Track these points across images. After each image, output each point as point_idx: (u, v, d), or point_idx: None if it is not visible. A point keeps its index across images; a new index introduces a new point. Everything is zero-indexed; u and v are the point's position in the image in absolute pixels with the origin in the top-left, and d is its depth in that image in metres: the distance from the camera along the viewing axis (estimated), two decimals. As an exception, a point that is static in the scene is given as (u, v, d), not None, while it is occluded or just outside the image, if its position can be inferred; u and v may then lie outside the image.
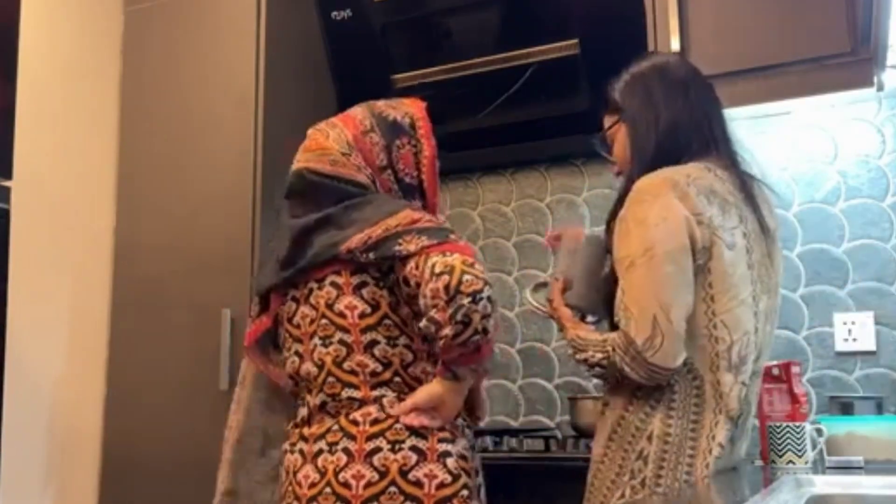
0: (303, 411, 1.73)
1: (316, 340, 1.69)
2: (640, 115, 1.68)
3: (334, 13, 2.67)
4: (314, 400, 1.69)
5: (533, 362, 2.74)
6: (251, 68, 2.55)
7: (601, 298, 1.72)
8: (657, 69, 1.73)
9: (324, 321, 1.68)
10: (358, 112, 1.81)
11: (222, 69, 2.61)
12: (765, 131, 2.47)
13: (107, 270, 2.71)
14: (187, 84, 2.66)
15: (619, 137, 1.73)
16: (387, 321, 1.65)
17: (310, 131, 1.83)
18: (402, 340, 1.66)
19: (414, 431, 1.61)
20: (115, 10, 2.81)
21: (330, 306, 1.67)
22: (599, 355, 1.57)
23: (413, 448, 1.60)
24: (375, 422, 1.62)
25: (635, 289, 1.52)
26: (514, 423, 2.72)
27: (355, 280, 1.66)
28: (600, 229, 1.80)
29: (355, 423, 1.63)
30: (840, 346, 2.34)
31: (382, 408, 1.63)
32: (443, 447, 1.62)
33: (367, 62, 2.71)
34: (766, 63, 2.15)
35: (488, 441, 2.33)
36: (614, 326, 1.63)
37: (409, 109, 1.81)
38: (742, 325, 1.56)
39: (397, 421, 1.62)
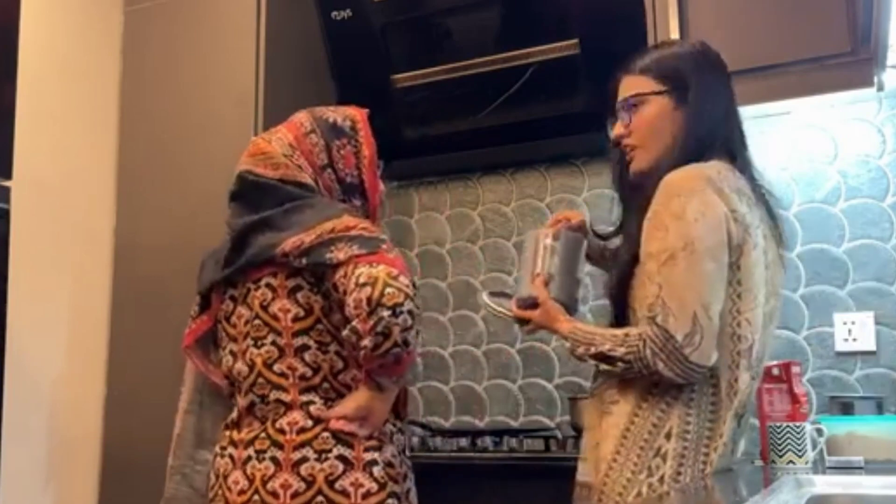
0: (234, 413, 1.75)
1: (249, 341, 1.70)
2: (705, 99, 1.61)
3: (334, 13, 2.67)
4: (243, 401, 1.71)
5: (533, 362, 2.73)
6: (251, 68, 2.55)
7: (579, 294, 1.73)
8: (713, 56, 1.67)
9: (257, 322, 1.69)
10: (300, 116, 1.85)
11: (222, 69, 2.60)
12: (765, 131, 2.46)
13: (107, 270, 2.71)
14: (187, 84, 2.66)
15: (652, 108, 1.64)
16: (319, 326, 1.66)
17: (253, 139, 1.87)
18: (333, 347, 1.66)
19: (341, 440, 1.62)
20: (115, 10, 2.81)
21: (265, 307, 1.68)
22: (622, 350, 1.52)
23: (339, 457, 1.61)
24: (302, 430, 1.64)
25: (675, 284, 1.48)
26: (514, 423, 2.72)
27: (290, 283, 1.67)
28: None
29: (282, 431, 1.65)
30: (840, 346, 2.34)
31: (309, 415, 1.64)
32: (369, 456, 1.64)
33: (367, 62, 2.70)
34: (766, 63, 2.15)
35: (488, 441, 2.33)
36: (619, 320, 1.61)
37: (350, 113, 1.84)
38: (760, 326, 1.56)
39: (324, 430, 1.63)
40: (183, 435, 1.84)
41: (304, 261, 1.63)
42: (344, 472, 1.61)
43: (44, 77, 2.56)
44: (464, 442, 2.34)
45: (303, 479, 1.60)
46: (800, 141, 2.45)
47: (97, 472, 2.62)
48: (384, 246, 1.61)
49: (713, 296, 1.49)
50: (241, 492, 1.65)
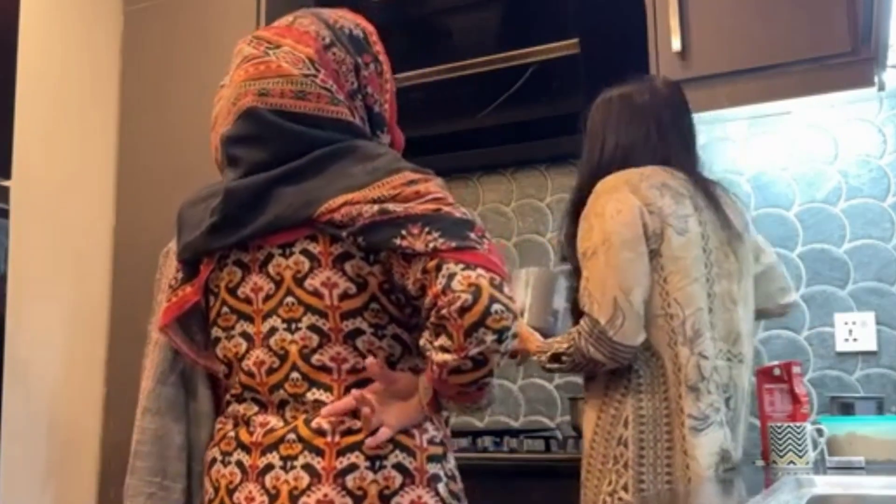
0: (241, 408, 1.36)
1: (275, 322, 1.31)
2: (590, 138, 1.85)
3: (334, 13, 2.67)
4: (268, 397, 1.33)
5: (533, 362, 2.73)
6: (251, 68, 2.54)
7: (554, 321, 1.97)
8: (623, 96, 1.86)
9: (289, 299, 1.30)
10: (305, 22, 1.41)
11: (222, 69, 2.60)
12: (765, 131, 2.47)
13: (106, 270, 2.71)
14: (187, 84, 2.66)
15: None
16: (374, 305, 1.29)
17: (240, 48, 1.44)
18: (391, 329, 1.31)
19: (400, 445, 1.28)
20: (114, 10, 2.81)
21: (299, 281, 1.29)
22: (565, 345, 1.71)
23: (398, 466, 1.27)
24: (349, 432, 1.27)
25: (597, 275, 1.67)
26: (514, 424, 2.71)
27: (336, 250, 1.28)
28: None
29: (321, 432, 1.27)
30: (841, 346, 2.33)
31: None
32: (433, 468, 1.31)
33: (367, 62, 2.70)
34: (766, 63, 2.15)
35: (488, 441, 2.33)
36: (578, 324, 1.75)
37: (356, 19, 1.47)
38: (694, 302, 1.69)
39: (372, 431, 1.27)
40: (143, 441, 1.43)
41: (361, 241, 1.26)
42: (403, 485, 1.26)
43: (44, 77, 2.56)
44: (464, 442, 2.33)
45: (349, 492, 1.24)
46: (800, 141, 2.45)
47: (97, 471, 2.62)
48: (473, 234, 1.23)
49: (632, 281, 1.65)
50: None
